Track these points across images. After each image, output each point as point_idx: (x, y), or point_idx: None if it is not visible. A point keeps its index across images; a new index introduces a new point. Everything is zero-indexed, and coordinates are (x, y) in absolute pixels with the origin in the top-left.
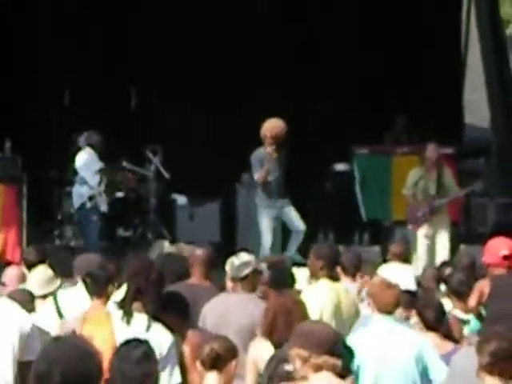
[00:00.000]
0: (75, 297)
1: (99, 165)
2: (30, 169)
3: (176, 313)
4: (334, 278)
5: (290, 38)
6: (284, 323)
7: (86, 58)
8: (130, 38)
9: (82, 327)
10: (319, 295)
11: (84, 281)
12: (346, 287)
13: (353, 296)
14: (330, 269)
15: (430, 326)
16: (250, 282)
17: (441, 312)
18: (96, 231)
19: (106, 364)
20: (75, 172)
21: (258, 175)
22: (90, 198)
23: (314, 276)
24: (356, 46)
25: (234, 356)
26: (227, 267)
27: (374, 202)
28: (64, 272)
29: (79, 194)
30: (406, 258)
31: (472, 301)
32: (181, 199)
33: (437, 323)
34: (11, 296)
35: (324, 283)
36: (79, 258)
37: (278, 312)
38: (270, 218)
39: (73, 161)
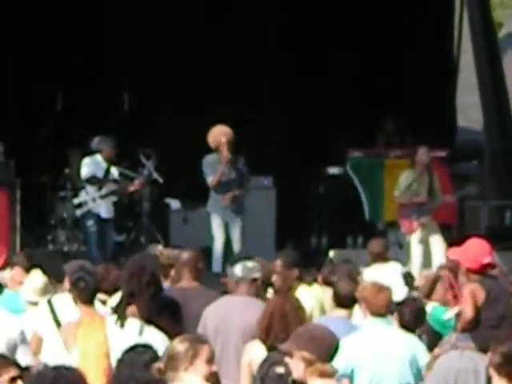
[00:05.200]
0: (69, 302)
1: (98, 172)
2: (24, 173)
3: (169, 316)
4: (309, 282)
5: (286, 42)
6: (280, 326)
7: (79, 61)
8: (122, 41)
9: (76, 331)
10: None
11: (74, 286)
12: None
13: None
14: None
15: (405, 325)
16: (256, 286)
17: (419, 313)
18: (93, 237)
19: (101, 368)
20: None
21: (211, 179)
22: (79, 205)
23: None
24: (348, 48)
25: None
26: (237, 268)
27: (368, 204)
28: (56, 277)
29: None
30: (385, 256)
31: (468, 313)
32: (174, 203)
33: (413, 323)
34: None
35: (303, 290)
36: (70, 264)
37: (274, 314)
38: (220, 222)
39: (80, 164)
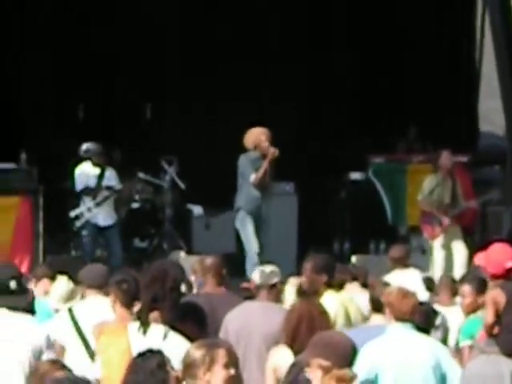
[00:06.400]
0: (88, 309)
1: (89, 180)
2: (46, 180)
3: (193, 322)
4: (337, 287)
5: (300, 48)
6: (307, 331)
7: (100, 70)
8: (143, 50)
9: (98, 338)
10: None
11: (117, 287)
12: (350, 295)
13: (358, 303)
14: (332, 280)
15: (376, 307)
16: (276, 291)
17: (429, 315)
18: (86, 247)
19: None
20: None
21: (253, 176)
22: (76, 218)
23: (315, 292)
24: (368, 56)
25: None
26: (256, 274)
27: (390, 209)
28: (78, 283)
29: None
30: (405, 262)
31: (489, 317)
32: (196, 209)
33: (423, 325)
34: None
35: (329, 296)
36: (85, 270)
37: (302, 319)
38: (253, 223)
39: (72, 172)
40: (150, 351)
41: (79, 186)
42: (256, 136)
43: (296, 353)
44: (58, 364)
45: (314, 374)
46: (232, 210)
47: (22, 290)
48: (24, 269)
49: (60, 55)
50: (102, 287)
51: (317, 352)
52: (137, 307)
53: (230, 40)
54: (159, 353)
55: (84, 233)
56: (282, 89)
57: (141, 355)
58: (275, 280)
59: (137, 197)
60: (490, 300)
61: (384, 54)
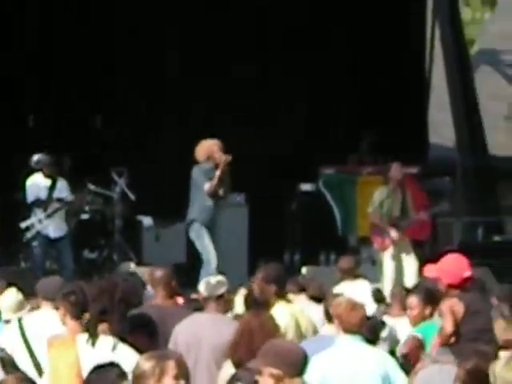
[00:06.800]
0: (39, 320)
1: (40, 192)
2: None
3: (143, 334)
4: (287, 299)
5: (255, 59)
6: (246, 343)
7: (50, 81)
8: (95, 62)
9: (48, 351)
10: (280, 320)
11: (64, 299)
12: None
13: (308, 315)
14: (282, 291)
15: (313, 296)
16: (224, 301)
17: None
18: (37, 259)
19: None
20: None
21: (208, 185)
22: (27, 229)
23: (266, 302)
24: (322, 68)
25: None
26: (201, 286)
27: (340, 220)
28: (28, 294)
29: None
30: (355, 273)
31: (448, 326)
32: (146, 220)
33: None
34: None
35: (280, 307)
36: (42, 281)
37: (242, 332)
38: (208, 234)
39: (23, 183)
40: (110, 364)
41: (30, 197)
42: (208, 147)
43: (236, 365)
44: (24, 377)
45: (265, 382)
46: (182, 220)
47: None
48: None
49: (7, 65)
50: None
51: (267, 360)
52: (86, 319)
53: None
54: (117, 365)
55: (34, 244)
56: (234, 100)
57: (99, 368)
58: (221, 291)
59: (87, 208)
60: (448, 309)
61: (336, 65)
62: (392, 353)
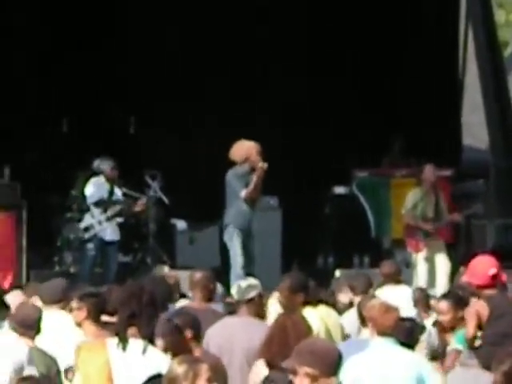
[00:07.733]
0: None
1: (103, 194)
2: (30, 195)
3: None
4: (314, 303)
5: (292, 63)
6: (279, 343)
7: (84, 84)
8: (128, 64)
9: (77, 354)
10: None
11: (85, 304)
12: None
13: (336, 318)
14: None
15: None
16: (255, 305)
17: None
18: (90, 261)
19: None
20: (84, 198)
21: (244, 190)
22: (86, 229)
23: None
24: (353, 70)
25: None
26: (233, 290)
27: (374, 222)
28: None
29: (81, 222)
30: (397, 278)
31: (470, 330)
32: (180, 224)
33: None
34: None
35: (308, 312)
36: (44, 284)
37: (274, 332)
38: (242, 238)
39: (84, 186)
40: (159, 375)
41: (91, 198)
42: (247, 149)
43: (270, 365)
44: (36, 381)
45: (300, 382)
46: (216, 224)
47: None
48: (7, 284)
49: (44, 68)
50: (60, 302)
51: (302, 360)
52: (106, 318)
53: (213, 56)
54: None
55: (90, 246)
56: (268, 103)
57: (149, 381)
58: (252, 294)
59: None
60: (473, 313)
61: (370, 65)
62: (432, 357)
